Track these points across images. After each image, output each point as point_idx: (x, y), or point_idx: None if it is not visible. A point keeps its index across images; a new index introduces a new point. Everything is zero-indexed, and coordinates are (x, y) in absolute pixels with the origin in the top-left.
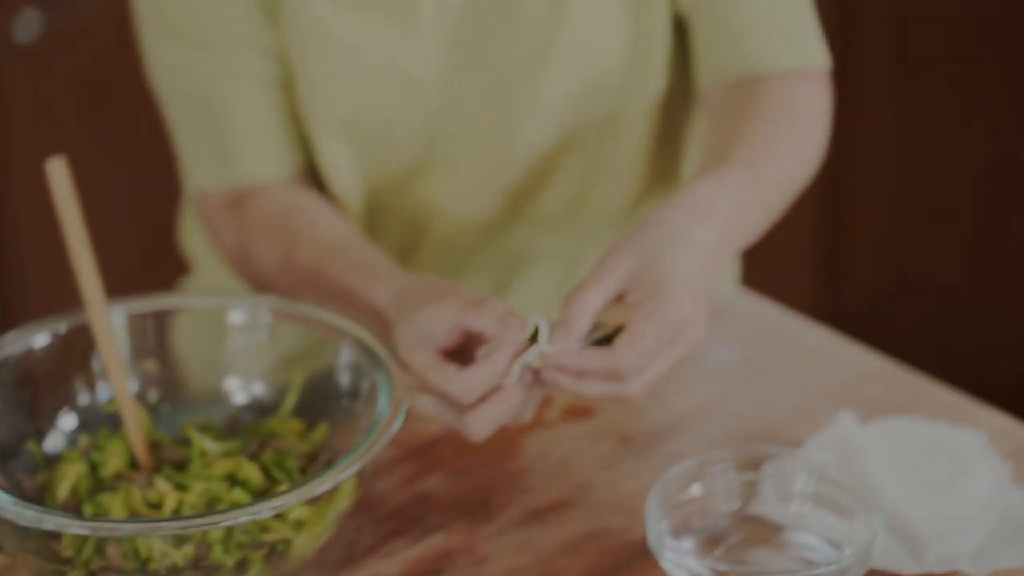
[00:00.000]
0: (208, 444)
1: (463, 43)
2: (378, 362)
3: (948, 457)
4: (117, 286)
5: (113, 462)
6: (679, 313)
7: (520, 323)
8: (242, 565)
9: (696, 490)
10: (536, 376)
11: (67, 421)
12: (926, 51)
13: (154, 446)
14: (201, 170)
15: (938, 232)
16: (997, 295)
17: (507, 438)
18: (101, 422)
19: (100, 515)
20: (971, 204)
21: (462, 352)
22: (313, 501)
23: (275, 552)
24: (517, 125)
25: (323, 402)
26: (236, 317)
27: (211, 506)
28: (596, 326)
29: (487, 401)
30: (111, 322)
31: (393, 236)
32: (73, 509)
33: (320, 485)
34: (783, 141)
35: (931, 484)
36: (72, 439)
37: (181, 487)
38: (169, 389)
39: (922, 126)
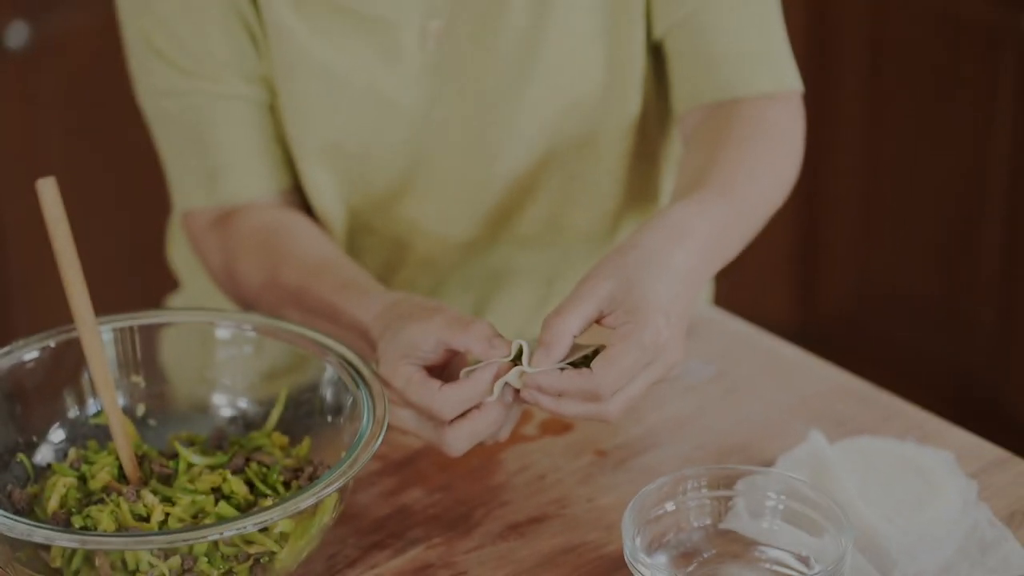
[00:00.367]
0: (194, 457)
1: (443, 69)
2: (361, 379)
3: (916, 475)
4: (104, 296)
5: (102, 475)
6: (656, 336)
7: (506, 346)
8: None
9: (670, 506)
10: (516, 395)
11: (57, 434)
12: (895, 74)
13: (142, 459)
14: (188, 189)
15: (909, 245)
16: (968, 306)
17: (487, 453)
18: (90, 435)
19: (89, 527)
20: (941, 217)
21: (444, 370)
22: (297, 515)
23: (259, 564)
24: (496, 148)
25: (307, 417)
26: (222, 333)
27: (197, 519)
28: (575, 348)
29: (467, 418)
30: (100, 337)
31: (376, 255)
32: (63, 521)
33: (304, 500)
34: (759, 164)
35: (900, 502)
36: (62, 452)
37: (168, 500)
38: (156, 403)
39: (891, 144)
